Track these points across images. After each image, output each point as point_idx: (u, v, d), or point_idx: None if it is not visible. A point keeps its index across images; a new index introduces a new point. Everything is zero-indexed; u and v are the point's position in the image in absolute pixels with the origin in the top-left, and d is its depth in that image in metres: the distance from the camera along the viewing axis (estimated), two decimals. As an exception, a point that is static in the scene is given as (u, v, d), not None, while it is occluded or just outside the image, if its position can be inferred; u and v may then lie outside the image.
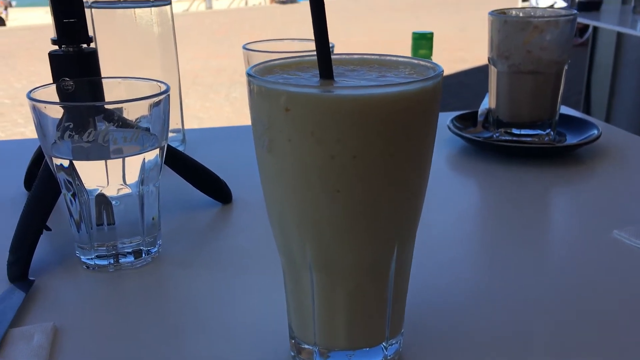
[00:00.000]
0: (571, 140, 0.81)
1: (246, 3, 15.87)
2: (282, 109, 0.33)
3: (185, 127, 0.85)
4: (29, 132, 4.07)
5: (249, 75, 0.35)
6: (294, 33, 8.28)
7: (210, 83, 5.47)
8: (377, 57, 0.40)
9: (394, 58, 0.40)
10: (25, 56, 6.68)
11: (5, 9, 13.97)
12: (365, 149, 0.33)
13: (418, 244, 0.40)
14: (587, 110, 3.22)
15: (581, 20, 2.78)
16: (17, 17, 13.91)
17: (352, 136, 0.33)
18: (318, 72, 0.37)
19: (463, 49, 6.74)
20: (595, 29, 3.15)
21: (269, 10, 12.08)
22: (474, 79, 5.20)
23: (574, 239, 0.59)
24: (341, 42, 7.14)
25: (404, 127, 0.34)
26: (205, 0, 13.84)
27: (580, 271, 0.52)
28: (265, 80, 0.34)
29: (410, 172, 0.36)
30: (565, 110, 0.91)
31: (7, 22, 12.32)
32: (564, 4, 5.94)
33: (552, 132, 0.81)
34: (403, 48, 6.57)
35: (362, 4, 12.98)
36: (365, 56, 0.41)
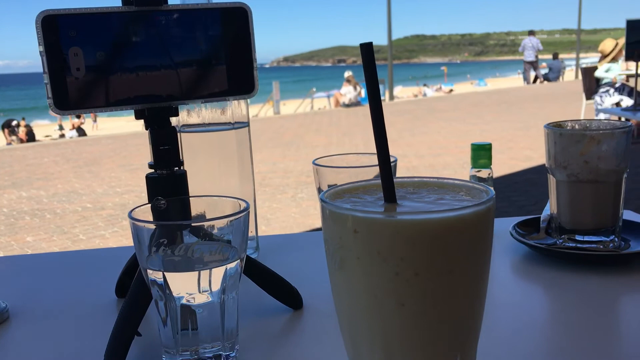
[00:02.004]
0: (636, 246, 0.81)
1: (312, 107, 16.57)
2: (351, 231, 0.38)
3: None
4: (109, 234, 4.31)
5: (321, 200, 0.41)
6: (358, 135, 8.55)
7: (277, 184, 5.66)
8: (436, 179, 0.45)
9: (451, 181, 0.44)
10: (108, 163, 7.17)
11: (95, 120, 15.40)
12: (426, 267, 0.37)
13: (483, 351, 0.42)
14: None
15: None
16: (105, 126, 15.36)
17: (414, 255, 0.37)
18: (382, 194, 0.42)
19: (528, 147, 6.73)
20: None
21: (334, 114, 12.56)
22: (542, 176, 5.14)
23: (644, 348, 0.59)
24: (405, 144, 7.31)
25: (461, 246, 0.38)
26: (273, 105, 14.57)
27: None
28: (335, 205, 0.39)
29: (468, 287, 0.39)
30: (629, 215, 0.91)
31: (96, 131, 13.44)
32: (630, 102, 5.91)
33: (616, 239, 0.81)
34: (462, 147, 6.64)
35: (423, 106, 13.30)
36: (424, 179, 0.45)
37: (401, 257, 0.37)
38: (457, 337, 0.39)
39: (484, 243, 0.39)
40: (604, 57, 7.07)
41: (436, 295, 0.38)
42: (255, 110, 14.96)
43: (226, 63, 0.66)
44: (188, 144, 0.84)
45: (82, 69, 0.60)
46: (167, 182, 0.63)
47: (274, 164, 6.60)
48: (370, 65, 0.40)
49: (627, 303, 0.72)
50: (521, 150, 6.53)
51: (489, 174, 0.90)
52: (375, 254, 0.37)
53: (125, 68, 0.62)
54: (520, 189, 4.87)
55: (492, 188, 0.72)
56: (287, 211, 4.76)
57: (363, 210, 0.38)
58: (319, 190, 0.81)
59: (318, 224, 3.91)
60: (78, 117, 14.30)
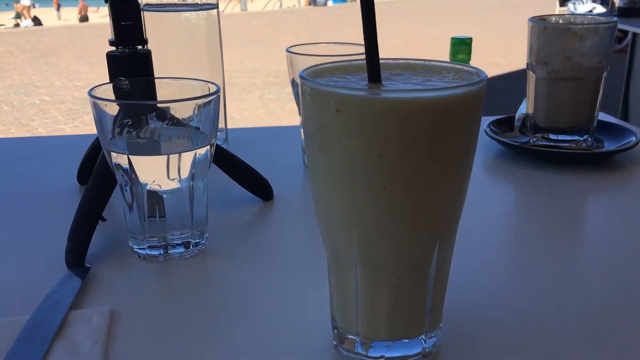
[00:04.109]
0: (609, 146, 0.81)
1: (280, 5, 15.98)
2: (333, 110, 0.35)
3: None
4: (69, 129, 4.19)
5: (302, 77, 0.37)
6: (328, 36, 8.31)
7: (244, 84, 5.54)
8: (422, 62, 0.42)
9: (439, 63, 0.42)
10: (66, 54, 6.85)
11: (58, 9, 14.52)
12: (410, 149, 0.35)
13: (455, 246, 0.41)
14: (624, 117, 3.16)
15: (621, 26, 2.74)
16: (69, 16, 14.58)
17: (398, 137, 0.35)
18: (365, 75, 0.39)
19: (499, 54, 6.68)
20: (635, 35, 3.10)
21: (304, 13, 12.15)
22: (511, 84, 5.16)
23: (611, 244, 0.60)
24: (375, 45, 7.14)
25: (448, 129, 0.35)
26: (241, 2, 13.98)
27: (616, 277, 0.53)
28: (318, 83, 0.36)
29: (452, 173, 0.37)
30: (603, 116, 0.91)
31: (59, 21, 12.79)
32: (603, 10, 5.85)
33: (589, 138, 0.81)
34: (437, 53, 6.54)
35: (395, 8, 12.95)
36: (410, 61, 0.42)
37: (385, 138, 0.35)
38: (437, 223, 0.38)
39: (472, 128, 0.37)
40: None
41: (419, 179, 0.36)
42: (221, 6, 14.35)
43: None
44: (152, 27, 0.78)
45: None
46: (129, 61, 0.58)
47: (241, 63, 6.43)
48: None
49: (596, 200, 0.72)
50: (490, 57, 6.49)
51: (467, 70, 0.87)
52: (358, 135, 0.35)
53: None
54: (489, 96, 4.85)
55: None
56: (253, 111, 4.69)
57: (347, 87, 0.36)
58: (293, 82, 0.77)
59: (285, 124, 3.86)
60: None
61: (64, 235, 0.54)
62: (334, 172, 0.37)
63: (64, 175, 0.74)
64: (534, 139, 0.83)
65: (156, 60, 0.63)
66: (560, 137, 0.81)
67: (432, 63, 0.42)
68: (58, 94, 5.10)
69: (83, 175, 0.71)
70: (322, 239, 0.41)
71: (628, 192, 0.73)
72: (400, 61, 0.43)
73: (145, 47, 0.60)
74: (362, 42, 0.38)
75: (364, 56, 0.38)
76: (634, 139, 0.80)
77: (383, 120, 0.34)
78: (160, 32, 0.79)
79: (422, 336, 0.41)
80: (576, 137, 0.81)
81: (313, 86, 0.36)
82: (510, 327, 0.45)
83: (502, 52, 6.70)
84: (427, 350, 0.41)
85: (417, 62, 0.42)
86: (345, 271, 0.40)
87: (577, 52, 0.75)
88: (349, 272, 0.40)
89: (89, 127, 3.99)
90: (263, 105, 4.85)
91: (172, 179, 0.54)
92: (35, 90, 5.26)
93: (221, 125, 0.87)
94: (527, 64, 0.81)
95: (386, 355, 0.41)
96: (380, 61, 0.41)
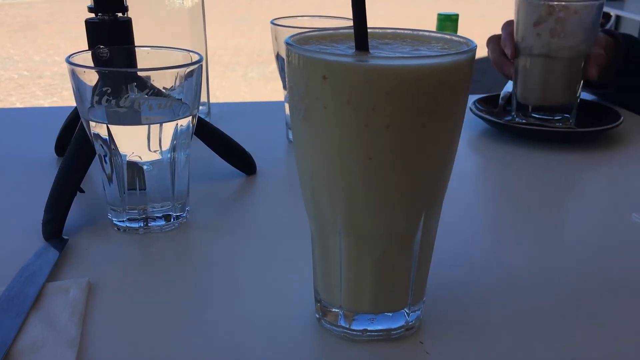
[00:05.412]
0: (591, 126, 0.81)
1: (265, -17, 15.77)
2: (320, 77, 0.34)
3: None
4: (47, 104, 4.11)
5: (288, 44, 0.36)
6: (314, 14, 8.17)
7: (227, 62, 5.47)
8: (411, 31, 0.41)
9: (427, 33, 0.41)
10: (45, 29, 6.70)
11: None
12: (398, 119, 0.34)
13: (439, 221, 0.41)
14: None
15: (605, 9, 2.75)
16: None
17: (386, 106, 0.34)
18: (352, 44, 0.38)
19: (483, 35, 6.67)
20: (618, 18, 3.12)
21: (288, -9, 11.99)
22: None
23: (593, 221, 0.60)
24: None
25: (437, 99, 0.35)
26: (224, -22, 13.76)
27: (598, 252, 0.53)
28: (304, 49, 0.35)
29: (440, 144, 0.37)
30: (587, 96, 0.91)
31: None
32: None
33: (572, 118, 0.81)
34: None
35: (381, -13, 12.84)
36: (398, 30, 0.42)
37: (373, 107, 0.34)
38: (424, 195, 0.37)
39: (461, 98, 0.37)
40: None
41: (407, 150, 0.35)
42: (204, -18, 14.09)
43: None
44: (133, 3, 0.76)
45: None
46: (109, 28, 0.56)
47: (225, 41, 6.34)
48: None
49: (578, 178, 0.73)
50: (475, 39, 6.47)
51: (453, 47, 0.86)
52: (345, 103, 0.34)
53: None
54: (473, 78, 4.87)
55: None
56: (236, 90, 4.64)
57: (334, 54, 0.35)
58: (278, 56, 0.76)
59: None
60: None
61: (42, 207, 0.53)
62: (319, 142, 0.36)
63: (42, 146, 0.72)
64: (518, 118, 0.83)
65: (137, 36, 0.61)
66: (543, 116, 0.81)
67: (421, 33, 0.41)
68: (37, 69, 5.00)
69: (61, 146, 0.69)
70: (306, 211, 0.41)
71: (608, 171, 0.73)
72: (389, 30, 0.42)
73: (126, 15, 0.58)
74: (349, 17, 0.37)
75: (351, 28, 0.37)
76: (616, 119, 0.80)
77: (371, 88, 0.33)
78: (142, 7, 0.77)
79: (406, 310, 0.40)
80: (559, 116, 0.80)
81: (299, 52, 0.35)
82: (493, 302, 0.45)
83: (487, 34, 6.68)
84: (410, 323, 0.41)
85: (406, 31, 0.42)
86: (329, 243, 0.39)
87: (560, 31, 0.75)
88: (333, 245, 0.39)
89: (68, 103, 3.92)
90: (246, 84, 4.79)
91: (153, 151, 0.52)
92: (13, 65, 5.15)
93: (204, 99, 0.85)
94: (515, 42, 0.81)
95: (369, 329, 0.40)
96: (369, 30, 0.40)
